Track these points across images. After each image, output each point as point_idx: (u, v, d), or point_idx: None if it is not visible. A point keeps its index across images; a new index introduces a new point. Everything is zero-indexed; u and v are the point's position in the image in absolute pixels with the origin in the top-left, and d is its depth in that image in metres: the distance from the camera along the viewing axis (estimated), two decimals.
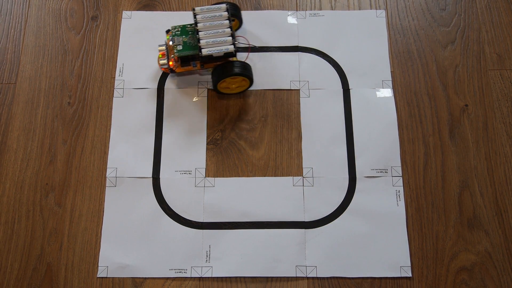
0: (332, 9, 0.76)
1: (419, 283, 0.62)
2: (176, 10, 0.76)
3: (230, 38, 0.65)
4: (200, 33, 0.65)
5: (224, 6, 0.67)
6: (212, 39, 0.65)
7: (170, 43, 0.67)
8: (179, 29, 0.67)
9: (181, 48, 0.66)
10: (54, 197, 0.66)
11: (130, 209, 0.65)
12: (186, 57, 0.66)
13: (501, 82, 0.71)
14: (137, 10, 0.76)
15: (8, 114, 0.70)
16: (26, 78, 0.72)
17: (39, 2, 0.77)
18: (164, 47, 0.68)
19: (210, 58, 0.65)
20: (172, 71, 0.68)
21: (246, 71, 0.67)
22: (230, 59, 0.66)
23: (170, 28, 0.68)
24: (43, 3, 0.77)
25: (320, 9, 0.76)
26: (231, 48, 0.64)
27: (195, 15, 0.66)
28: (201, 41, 0.65)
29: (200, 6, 0.68)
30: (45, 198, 0.66)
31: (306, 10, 0.75)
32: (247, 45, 0.71)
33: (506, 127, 0.69)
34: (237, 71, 0.66)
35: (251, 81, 0.68)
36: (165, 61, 0.67)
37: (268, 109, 0.71)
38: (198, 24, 0.66)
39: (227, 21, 0.66)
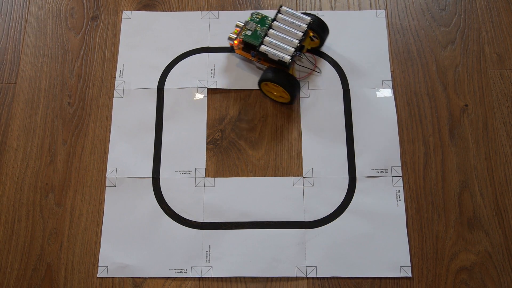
0: (332, 9, 0.76)
1: (419, 283, 0.62)
2: (176, 10, 0.76)
3: (293, 49, 0.65)
4: (270, 30, 0.66)
5: (308, 19, 0.67)
6: (276, 41, 0.65)
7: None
8: (260, 17, 0.68)
9: (249, 34, 0.67)
10: (54, 197, 0.66)
11: (130, 209, 0.65)
12: (248, 44, 0.67)
13: (501, 82, 0.71)
14: (137, 10, 0.76)
15: (8, 114, 0.70)
16: (26, 78, 0.72)
17: (39, 2, 0.77)
18: (242, 25, 0.69)
19: (265, 56, 0.66)
20: (232, 49, 0.70)
21: (287, 85, 0.65)
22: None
23: (253, 12, 0.70)
24: (43, 3, 0.77)
25: (320, 9, 0.76)
26: (286, 58, 0.64)
27: (277, 12, 0.67)
28: (266, 37, 0.66)
29: (288, 8, 0.68)
30: (45, 198, 0.66)
31: (306, 10, 0.75)
32: (309, 69, 0.71)
33: (506, 127, 0.69)
34: (278, 81, 0.65)
35: (291, 98, 0.67)
36: (233, 37, 0.68)
37: (268, 109, 0.70)
38: (274, 22, 0.67)
39: (301, 34, 0.66)
